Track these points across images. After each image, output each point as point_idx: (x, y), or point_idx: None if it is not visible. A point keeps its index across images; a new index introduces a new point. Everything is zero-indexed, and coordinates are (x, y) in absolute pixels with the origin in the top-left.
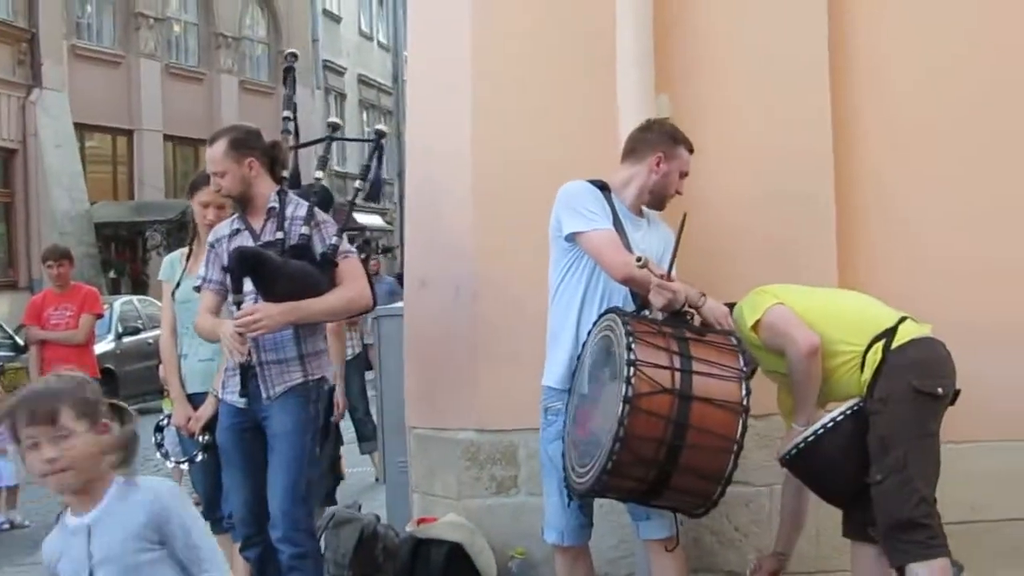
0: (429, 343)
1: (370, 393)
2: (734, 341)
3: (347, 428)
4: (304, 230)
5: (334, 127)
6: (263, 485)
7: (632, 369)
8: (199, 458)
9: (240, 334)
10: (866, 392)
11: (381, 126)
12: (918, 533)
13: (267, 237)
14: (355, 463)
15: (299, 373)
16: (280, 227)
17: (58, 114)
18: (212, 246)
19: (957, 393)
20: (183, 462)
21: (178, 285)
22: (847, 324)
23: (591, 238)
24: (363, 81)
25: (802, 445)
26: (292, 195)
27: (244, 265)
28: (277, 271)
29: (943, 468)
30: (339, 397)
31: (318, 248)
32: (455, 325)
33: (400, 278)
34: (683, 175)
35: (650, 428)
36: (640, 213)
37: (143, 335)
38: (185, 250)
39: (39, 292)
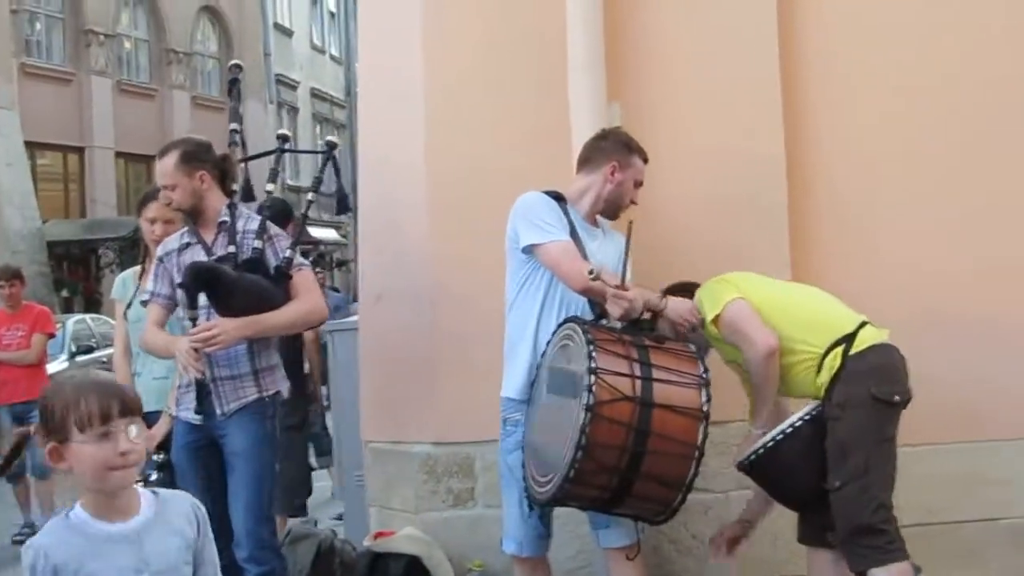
0: (385, 357)
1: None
2: (692, 348)
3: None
4: (257, 244)
5: (283, 139)
6: (221, 502)
7: (593, 377)
8: (154, 477)
9: (195, 350)
10: (823, 396)
11: (332, 138)
12: (877, 538)
13: (219, 251)
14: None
15: (253, 389)
16: (232, 241)
17: (8, 132)
18: (161, 260)
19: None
20: (138, 481)
21: (130, 304)
22: (806, 324)
23: (548, 250)
24: (316, 95)
25: (760, 451)
26: (243, 208)
27: (199, 280)
28: (232, 285)
29: (899, 471)
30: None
31: (271, 262)
32: (411, 338)
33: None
34: (638, 184)
35: (612, 436)
36: (595, 223)
37: (97, 354)
38: (137, 268)
39: None
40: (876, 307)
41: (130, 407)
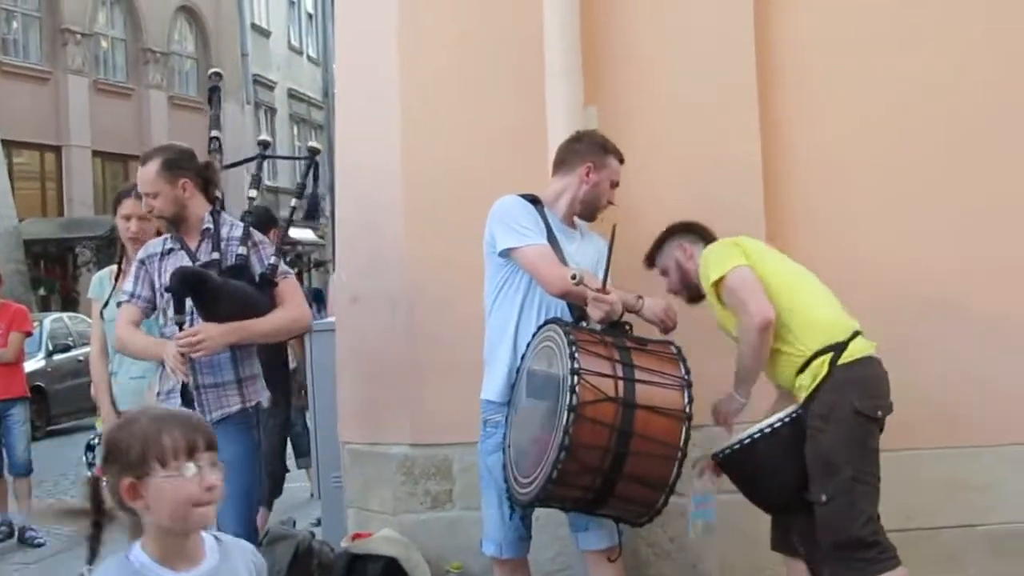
0: (363, 358)
1: None
2: (674, 350)
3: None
4: (241, 250)
5: (265, 145)
6: None
7: (576, 378)
8: None
9: (182, 355)
10: (804, 401)
11: (314, 143)
12: (869, 551)
13: (203, 257)
14: (290, 478)
15: (237, 398)
16: (216, 247)
17: None
18: (143, 263)
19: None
20: None
21: (106, 303)
22: (804, 319)
23: (526, 253)
24: (293, 95)
25: (737, 447)
26: (226, 215)
27: (185, 285)
28: (218, 291)
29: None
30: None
31: (256, 268)
32: (389, 339)
33: (317, 293)
34: (614, 185)
35: (595, 436)
36: (573, 225)
37: (74, 352)
38: (114, 268)
39: None
40: (850, 309)
41: (212, 441)
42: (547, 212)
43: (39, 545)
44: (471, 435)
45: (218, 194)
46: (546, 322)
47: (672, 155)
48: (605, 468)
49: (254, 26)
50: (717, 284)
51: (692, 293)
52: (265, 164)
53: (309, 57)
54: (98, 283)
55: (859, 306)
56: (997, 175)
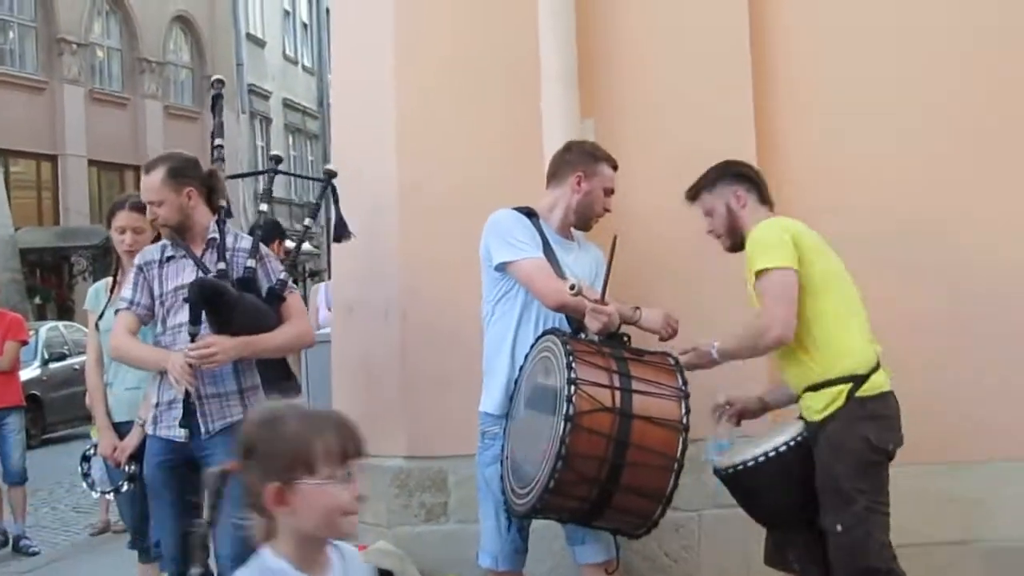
0: (357, 369)
1: None
2: (672, 361)
3: None
4: (250, 263)
5: (277, 160)
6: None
7: (573, 387)
8: (124, 488)
9: (191, 366)
10: (813, 425)
11: (330, 166)
12: None
13: (210, 266)
14: None
15: (239, 409)
16: (221, 257)
17: None
18: (141, 269)
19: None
20: (109, 492)
21: (102, 315)
22: (828, 337)
23: (521, 267)
24: (288, 105)
25: (740, 467)
26: (230, 225)
27: (202, 296)
28: (234, 305)
29: None
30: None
31: (263, 282)
32: (383, 350)
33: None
34: (608, 192)
35: (592, 446)
36: (569, 236)
37: (69, 361)
38: (109, 280)
39: None
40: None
41: (363, 447)
42: (542, 224)
43: (34, 554)
44: (466, 448)
45: (222, 203)
46: (544, 333)
47: (669, 162)
48: (602, 479)
49: (249, 36)
50: (757, 273)
51: (734, 242)
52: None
53: (304, 67)
54: (94, 295)
55: None
56: (1005, 171)
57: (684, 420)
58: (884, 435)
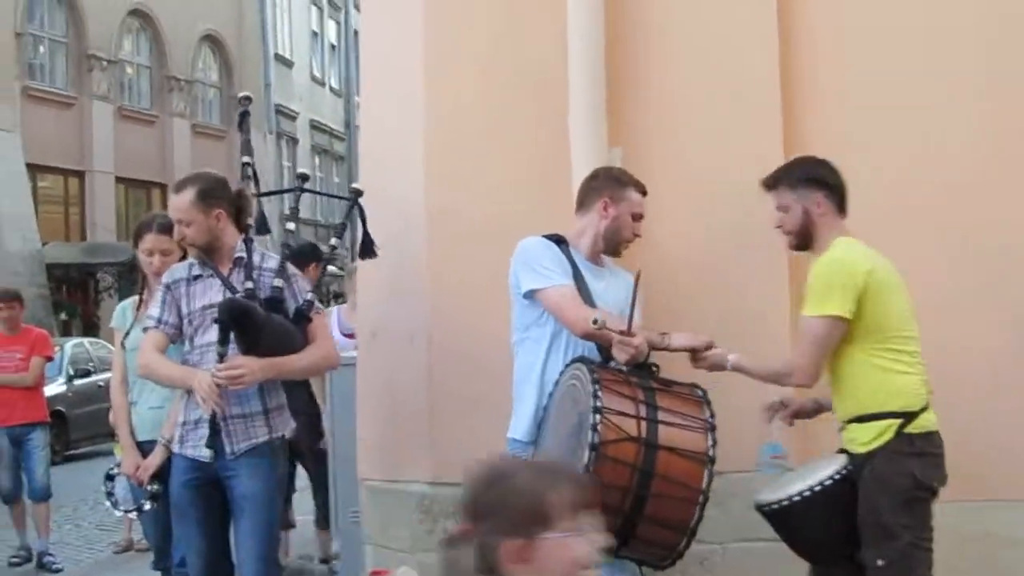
0: (382, 393)
1: None
2: (700, 393)
3: (300, 474)
4: (277, 282)
5: (303, 178)
6: (221, 540)
7: (598, 416)
8: (147, 507)
9: (218, 386)
10: (858, 459)
11: (357, 184)
12: None
13: (236, 285)
14: (307, 511)
15: (264, 430)
16: (248, 276)
17: (10, 155)
18: (169, 288)
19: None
20: (131, 511)
21: (128, 333)
22: (883, 379)
23: (549, 295)
24: (315, 126)
25: (786, 503)
26: (257, 244)
27: (232, 317)
28: (262, 325)
29: None
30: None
31: (290, 303)
32: (408, 375)
33: None
34: (636, 217)
35: (616, 476)
36: (600, 262)
37: (94, 377)
38: (136, 299)
39: None
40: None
41: (592, 497)
42: (572, 251)
43: (57, 571)
44: None
45: (250, 222)
46: (573, 360)
47: (696, 190)
48: (626, 509)
49: (277, 56)
50: (806, 308)
51: (801, 244)
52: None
53: (331, 88)
54: (121, 313)
55: None
56: None
57: (710, 452)
58: (929, 472)
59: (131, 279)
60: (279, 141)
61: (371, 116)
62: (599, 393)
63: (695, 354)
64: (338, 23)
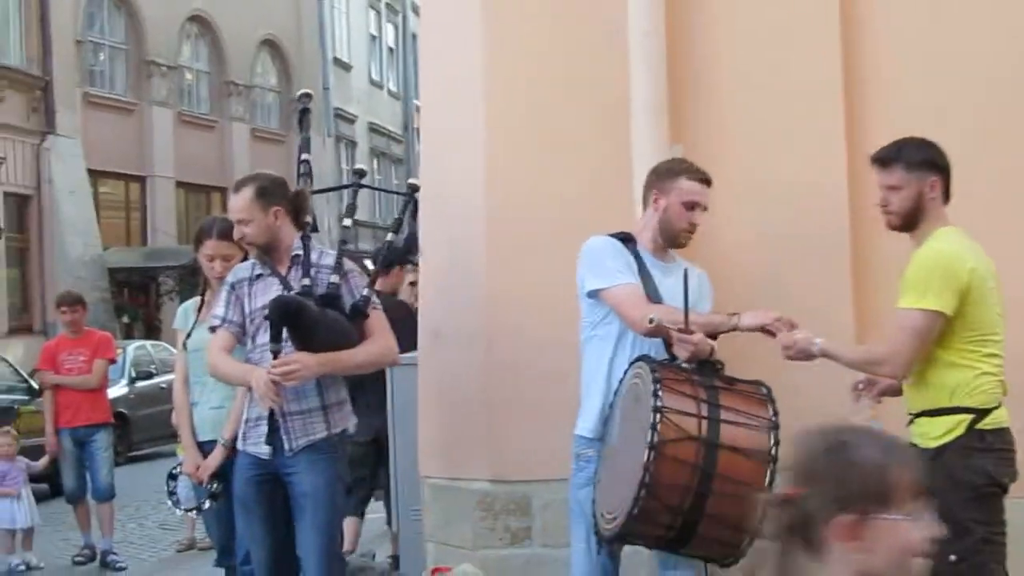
0: (444, 393)
1: None
2: (764, 391)
3: None
4: (333, 279)
5: (360, 174)
6: (286, 535)
7: (659, 415)
8: (206, 506)
9: (275, 383)
10: (932, 454)
11: (414, 180)
12: None
13: (294, 283)
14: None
15: (322, 426)
16: (306, 273)
17: (72, 160)
18: (232, 287)
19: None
20: (191, 510)
21: (190, 334)
22: (965, 377)
23: (613, 294)
24: (374, 129)
25: None
26: (315, 241)
27: (284, 314)
28: (315, 321)
29: None
30: None
31: (346, 298)
32: (469, 375)
33: None
34: (689, 206)
35: (676, 475)
36: (667, 257)
37: (156, 380)
38: (198, 299)
39: (53, 337)
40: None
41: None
42: (639, 248)
43: (121, 569)
44: (551, 472)
45: (308, 219)
46: (637, 359)
47: (757, 188)
48: (685, 508)
49: (336, 60)
50: (904, 300)
51: (904, 225)
52: (343, 193)
53: (390, 91)
54: (183, 314)
55: None
56: None
57: (773, 451)
58: (1001, 468)
59: (192, 282)
60: (338, 144)
61: (431, 119)
62: (660, 392)
63: (779, 340)
64: (396, 26)
